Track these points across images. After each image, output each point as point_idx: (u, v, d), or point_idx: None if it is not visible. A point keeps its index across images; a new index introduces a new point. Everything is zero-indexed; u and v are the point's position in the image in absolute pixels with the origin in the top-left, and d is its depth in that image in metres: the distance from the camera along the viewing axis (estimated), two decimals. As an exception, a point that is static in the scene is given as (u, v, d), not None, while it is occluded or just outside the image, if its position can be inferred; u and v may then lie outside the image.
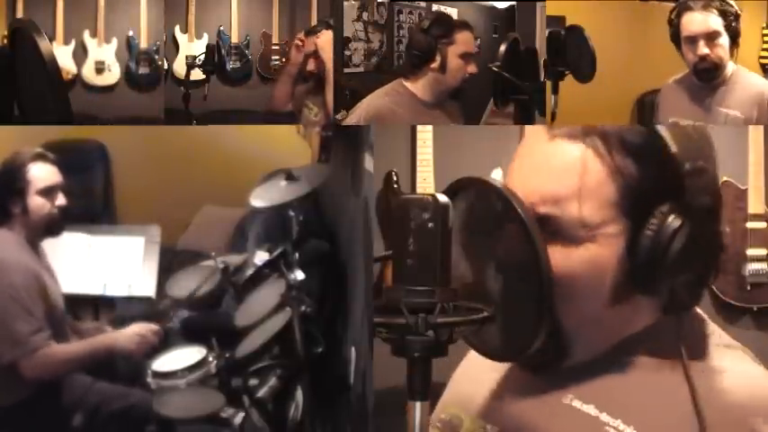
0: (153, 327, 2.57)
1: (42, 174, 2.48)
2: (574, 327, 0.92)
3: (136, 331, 2.54)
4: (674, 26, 2.22)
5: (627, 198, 0.88)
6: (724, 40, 2.14)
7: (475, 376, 1.08)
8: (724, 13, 2.11)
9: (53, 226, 2.52)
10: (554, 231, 0.88)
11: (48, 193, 2.48)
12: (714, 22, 2.12)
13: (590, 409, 0.91)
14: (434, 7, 3.60)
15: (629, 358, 0.93)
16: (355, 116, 2.39)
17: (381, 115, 2.33)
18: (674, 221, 0.87)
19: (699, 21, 2.15)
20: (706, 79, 2.20)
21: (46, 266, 2.57)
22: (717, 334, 0.97)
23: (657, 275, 0.88)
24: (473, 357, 1.12)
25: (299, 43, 2.81)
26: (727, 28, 2.12)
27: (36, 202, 2.47)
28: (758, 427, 0.84)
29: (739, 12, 2.14)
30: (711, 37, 2.15)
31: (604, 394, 0.92)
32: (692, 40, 2.18)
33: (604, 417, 0.90)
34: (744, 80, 2.22)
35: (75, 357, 2.46)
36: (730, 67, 2.20)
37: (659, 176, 0.88)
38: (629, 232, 0.88)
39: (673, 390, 0.88)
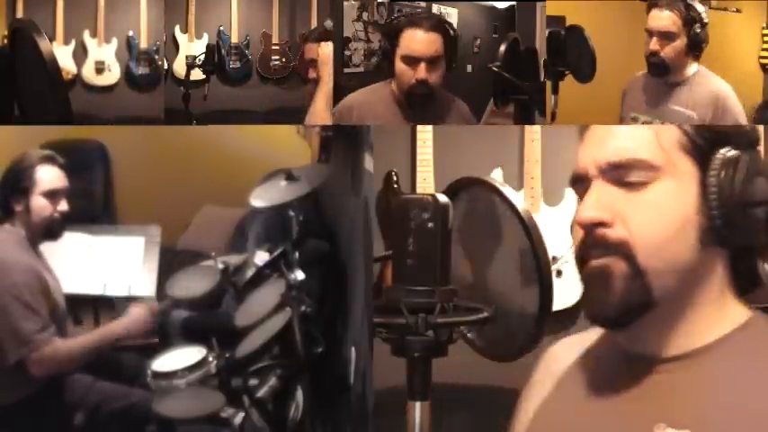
0: (149, 305, 2.61)
1: (49, 176, 2.50)
2: (665, 269, 0.93)
3: (135, 313, 2.58)
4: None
5: (689, 141, 0.94)
6: (679, 42, 2.21)
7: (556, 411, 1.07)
8: (687, 18, 2.19)
9: (53, 229, 2.53)
10: (628, 178, 0.93)
11: (52, 195, 2.49)
12: (672, 21, 2.20)
13: None
14: (434, 7, 3.61)
15: (715, 365, 0.93)
16: (339, 105, 2.38)
17: (356, 108, 2.29)
18: (732, 154, 0.93)
19: (658, 17, 2.23)
20: (655, 74, 2.29)
21: (46, 266, 2.58)
22: None
23: (730, 211, 0.91)
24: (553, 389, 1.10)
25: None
26: (688, 32, 2.20)
27: (39, 203, 2.48)
28: None
29: (706, 20, 2.20)
30: (665, 36, 2.22)
31: (697, 415, 0.90)
32: (650, 33, 2.27)
33: None
34: (703, 81, 2.28)
35: (83, 350, 2.47)
36: (692, 69, 2.26)
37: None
38: (701, 172, 0.94)
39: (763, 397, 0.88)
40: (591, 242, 0.93)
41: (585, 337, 1.04)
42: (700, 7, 2.22)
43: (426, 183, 2.92)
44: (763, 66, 3.34)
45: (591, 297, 0.93)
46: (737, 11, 3.28)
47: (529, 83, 2.22)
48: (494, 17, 3.92)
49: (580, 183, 1.00)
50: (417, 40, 2.16)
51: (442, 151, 2.92)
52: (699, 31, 2.20)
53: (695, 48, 2.23)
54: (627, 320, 0.94)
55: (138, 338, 2.60)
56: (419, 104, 2.22)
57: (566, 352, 1.05)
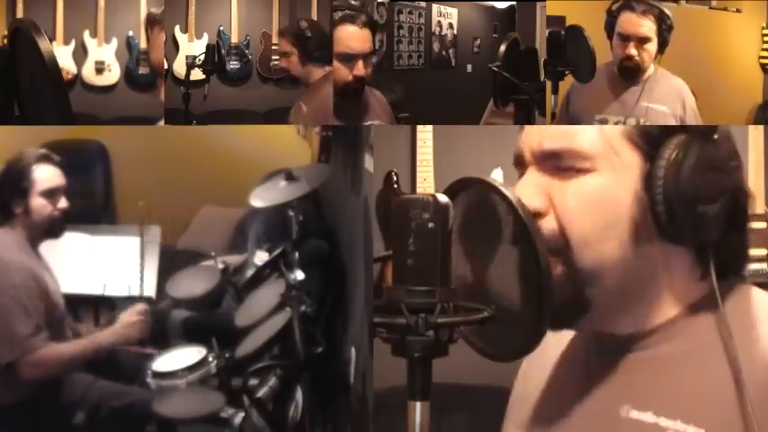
0: (139, 308, 2.59)
1: (46, 175, 2.49)
2: (593, 268, 0.89)
3: (126, 321, 2.56)
4: (611, 18, 2.33)
5: (636, 131, 0.89)
6: (652, 45, 2.26)
7: (524, 398, 1.08)
8: (660, 22, 2.23)
9: (54, 228, 2.53)
10: (564, 166, 0.90)
11: (50, 194, 2.49)
12: (648, 28, 2.24)
13: (648, 417, 0.89)
14: (434, 7, 3.61)
15: (670, 348, 0.91)
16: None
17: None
18: (683, 144, 0.87)
19: (635, 23, 2.26)
20: (628, 78, 2.33)
21: (45, 267, 2.57)
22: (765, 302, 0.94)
23: (676, 207, 0.87)
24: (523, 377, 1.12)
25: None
26: (659, 35, 2.24)
27: (38, 203, 2.47)
28: None
29: (673, 24, 2.25)
30: (642, 41, 2.26)
31: (659, 396, 0.90)
32: (625, 38, 2.29)
33: (663, 421, 0.88)
34: (663, 79, 2.33)
35: (73, 357, 2.47)
36: (651, 68, 2.32)
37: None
38: (645, 164, 0.89)
39: (720, 376, 0.87)
40: None
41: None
42: (668, 11, 2.26)
43: (426, 183, 2.92)
44: (763, 66, 3.33)
45: None
46: (737, 11, 3.28)
47: (529, 83, 2.21)
48: (494, 17, 3.92)
49: (520, 165, 0.97)
50: (353, 37, 2.22)
51: (442, 151, 2.92)
52: (667, 34, 2.25)
53: (662, 49, 2.28)
54: (560, 322, 0.92)
55: (130, 344, 2.58)
56: (353, 97, 2.28)
57: (554, 343, 1.05)
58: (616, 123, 2.31)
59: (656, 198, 0.88)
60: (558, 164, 0.91)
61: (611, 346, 0.96)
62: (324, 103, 2.34)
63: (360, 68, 2.23)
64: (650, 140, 0.89)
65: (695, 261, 0.93)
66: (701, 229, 0.88)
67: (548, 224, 0.90)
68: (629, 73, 2.33)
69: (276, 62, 3.58)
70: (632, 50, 2.28)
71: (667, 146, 0.88)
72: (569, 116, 2.44)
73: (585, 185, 0.90)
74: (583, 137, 0.90)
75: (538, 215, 0.89)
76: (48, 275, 2.54)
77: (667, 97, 2.31)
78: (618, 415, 0.92)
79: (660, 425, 0.88)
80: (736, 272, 0.96)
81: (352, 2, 2.39)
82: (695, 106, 2.34)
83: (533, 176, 0.93)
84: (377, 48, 2.30)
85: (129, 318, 2.57)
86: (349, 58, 2.22)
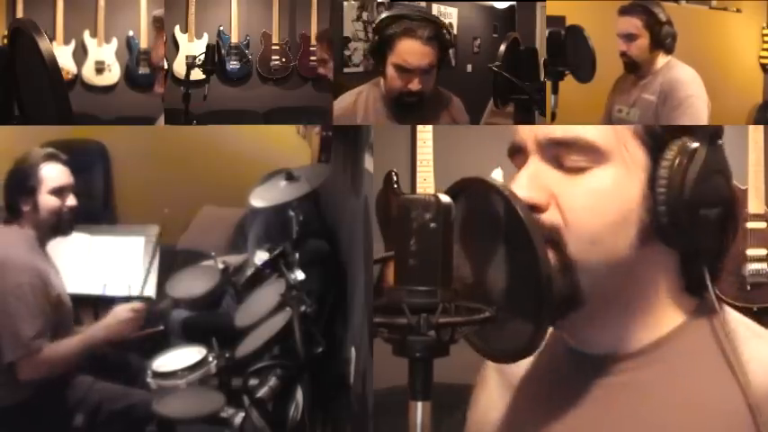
0: (135, 305, 2.58)
1: (54, 173, 2.50)
2: (599, 265, 0.87)
3: (119, 314, 2.55)
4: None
5: (644, 130, 0.87)
6: (642, 41, 2.43)
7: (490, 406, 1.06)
8: (649, 19, 2.41)
9: (62, 226, 2.54)
10: (570, 158, 0.87)
11: (59, 192, 2.50)
12: (633, 25, 2.42)
13: None
14: (434, 7, 3.61)
15: (651, 372, 0.89)
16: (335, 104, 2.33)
17: (347, 107, 2.21)
18: (688, 147, 0.86)
19: (622, 22, 2.45)
20: (628, 70, 2.52)
21: (53, 266, 2.58)
22: (744, 324, 0.92)
23: (679, 208, 0.85)
24: (487, 388, 1.09)
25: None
26: (650, 31, 2.41)
27: (47, 202, 2.48)
28: None
29: (667, 20, 2.42)
30: (629, 38, 2.43)
31: (641, 422, 0.88)
32: (619, 37, 2.49)
33: None
34: (669, 71, 2.46)
35: (71, 355, 2.46)
36: (662, 61, 2.46)
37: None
38: (652, 163, 0.87)
39: (706, 398, 0.86)
40: None
41: None
42: (658, 9, 2.42)
43: (426, 183, 2.92)
44: (763, 66, 3.34)
45: None
46: (738, 11, 3.28)
47: (529, 83, 2.21)
48: (494, 17, 3.92)
49: (518, 155, 0.93)
50: (412, 52, 2.07)
51: (442, 151, 2.92)
52: (659, 29, 2.40)
53: (659, 43, 2.41)
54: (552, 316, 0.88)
55: (123, 337, 2.56)
56: (409, 110, 2.15)
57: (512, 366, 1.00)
58: (626, 114, 2.52)
59: (658, 199, 0.86)
60: (567, 155, 0.88)
61: (587, 369, 0.93)
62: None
63: (414, 84, 2.08)
64: (656, 139, 0.87)
65: (680, 271, 0.92)
66: (701, 234, 0.87)
67: (547, 218, 0.87)
68: (627, 67, 2.50)
69: (276, 62, 3.58)
70: (622, 47, 2.47)
71: (671, 147, 0.86)
72: (606, 110, 2.62)
73: (597, 178, 0.87)
74: (593, 130, 0.87)
75: (539, 209, 0.87)
76: (54, 275, 2.54)
77: (663, 88, 2.44)
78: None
79: None
80: (707, 285, 0.92)
81: (415, 11, 2.16)
82: (695, 99, 2.40)
83: (536, 166, 0.90)
84: (441, 59, 2.10)
85: (123, 313, 2.55)
86: (405, 71, 2.08)
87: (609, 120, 2.55)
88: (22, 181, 2.48)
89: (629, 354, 0.91)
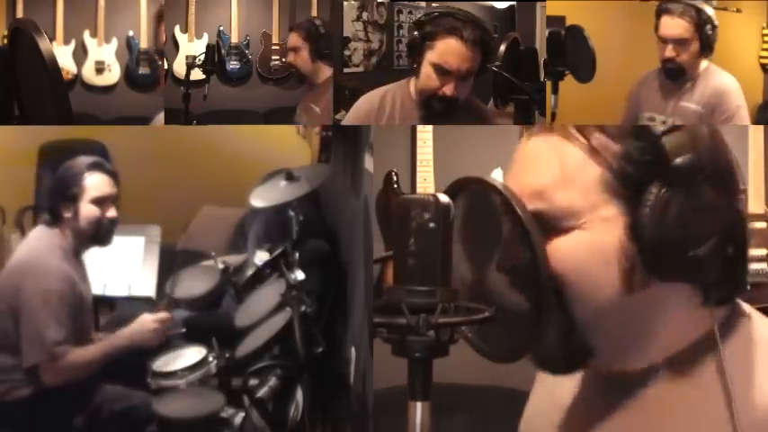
0: (159, 315, 2.57)
1: (98, 183, 2.51)
2: (591, 319, 0.88)
3: (146, 323, 2.54)
4: (657, 21, 2.36)
5: (614, 179, 0.86)
6: (694, 46, 2.27)
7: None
8: (699, 22, 2.24)
9: (101, 236, 2.54)
10: (547, 226, 0.87)
11: (100, 202, 2.51)
12: (686, 29, 2.26)
13: None
14: (434, 7, 3.60)
15: (671, 388, 0.90)
16: (354, 110, 2.23)
17: (371, 105, 2.11)
18: (665, 193, 0.84)
19: (672, 25, 2.28)
20: (671, 78, 2.36)
21: (83, 275, 2.58)
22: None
23: (665, 253, 0.84)
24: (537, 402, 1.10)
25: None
26: (700, 35, 2.25)
27: (88, 210, 2.49)
28: None
29: (715, 22, 2.26)
30: (680, 43, 2.29)
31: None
32: (663, 41, 2.33)
33: None
34: (710, 77, 2.35)
35: (93, 361, 2.46)
36: (702, 66, 2.33)
37: (644, 153, 0.85)
38: (628, 215, 0.86)
39: (718, 418, 0.86)
40: None
41: None
42: (709, 10, 2.25)
43: (426, 183, 2.92)
44: (763, 66, 3.33)
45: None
46: (738, 11, 3.28)
47: (529, 83, 2.21)
48: (494, 17, 3.91)
49: None
50: (454, 53, 1.93)
51: (442, 151, 2.92)
52: (710, 33, 2.25)
53: (707, 49, 2.28)
54: (570, 367, 0.93)
55: (146, 346, 2.56)
56: (439, 113, 2.02)
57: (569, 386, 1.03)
58: (663, 123, 2.31)
59: (643, 248, 0.85)
60: (548, 222, 0.87)
61: (614, 386, 0.94)
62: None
63: (449, 88, 1.95)
64: (630, 185, 0.85)
65: (693, 289, 0.90)
66: (696, 272, 0.86)
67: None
68: (672, 74, 2.36)
69: (276, 62, 3.58)
70: (671, 53, 2.31)
71: (650, 191, 0.84)
72: (629, 115, 2.47)
73: (571, 243, 0.87)
74: (561, 195, 0.87)
75: None
76: (84, 284, 2.55)
77: (706, 98, 2.31)
78: None
79: None
80: (733, 297, 0.93)
81: (462, 12, 2.00)
82: (736, 109, 2.32)
83: None
84: (482, 65, 1.97)
85: (150, 323, 2.54)
86: (443, 72, 1.95)
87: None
88: (66, 188, 2.48)
89: (647, 369, 0.92)
